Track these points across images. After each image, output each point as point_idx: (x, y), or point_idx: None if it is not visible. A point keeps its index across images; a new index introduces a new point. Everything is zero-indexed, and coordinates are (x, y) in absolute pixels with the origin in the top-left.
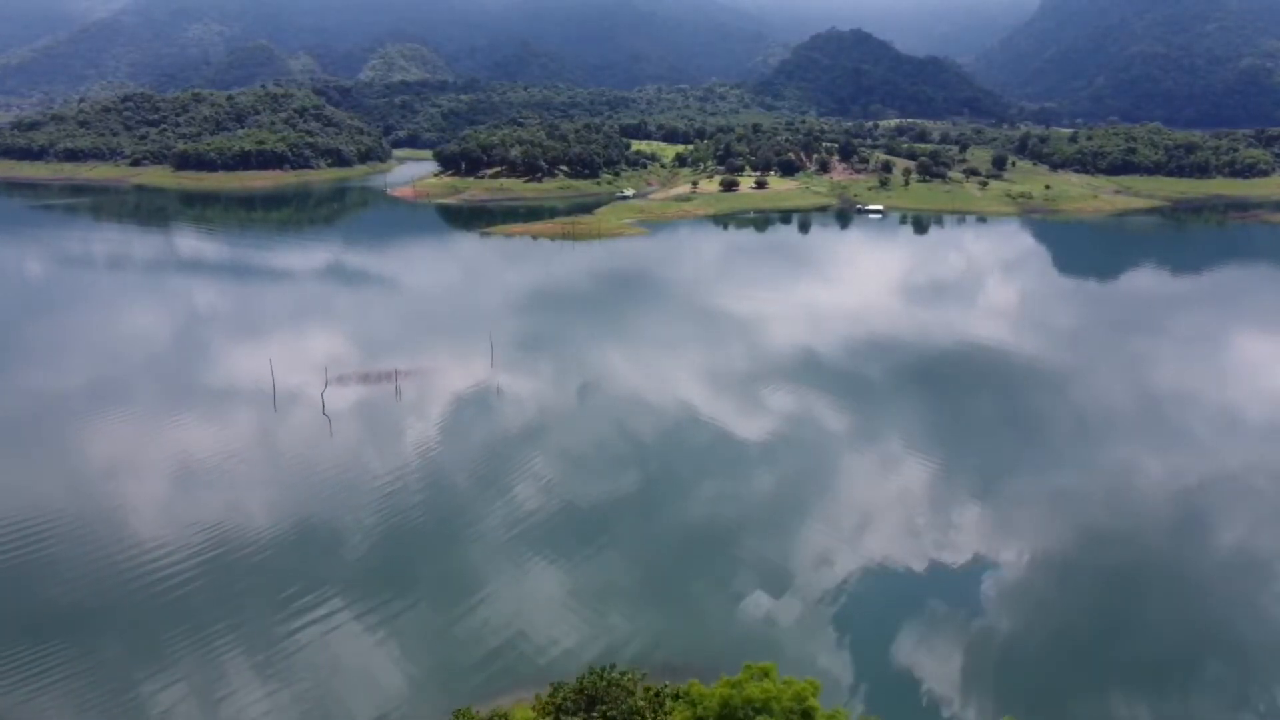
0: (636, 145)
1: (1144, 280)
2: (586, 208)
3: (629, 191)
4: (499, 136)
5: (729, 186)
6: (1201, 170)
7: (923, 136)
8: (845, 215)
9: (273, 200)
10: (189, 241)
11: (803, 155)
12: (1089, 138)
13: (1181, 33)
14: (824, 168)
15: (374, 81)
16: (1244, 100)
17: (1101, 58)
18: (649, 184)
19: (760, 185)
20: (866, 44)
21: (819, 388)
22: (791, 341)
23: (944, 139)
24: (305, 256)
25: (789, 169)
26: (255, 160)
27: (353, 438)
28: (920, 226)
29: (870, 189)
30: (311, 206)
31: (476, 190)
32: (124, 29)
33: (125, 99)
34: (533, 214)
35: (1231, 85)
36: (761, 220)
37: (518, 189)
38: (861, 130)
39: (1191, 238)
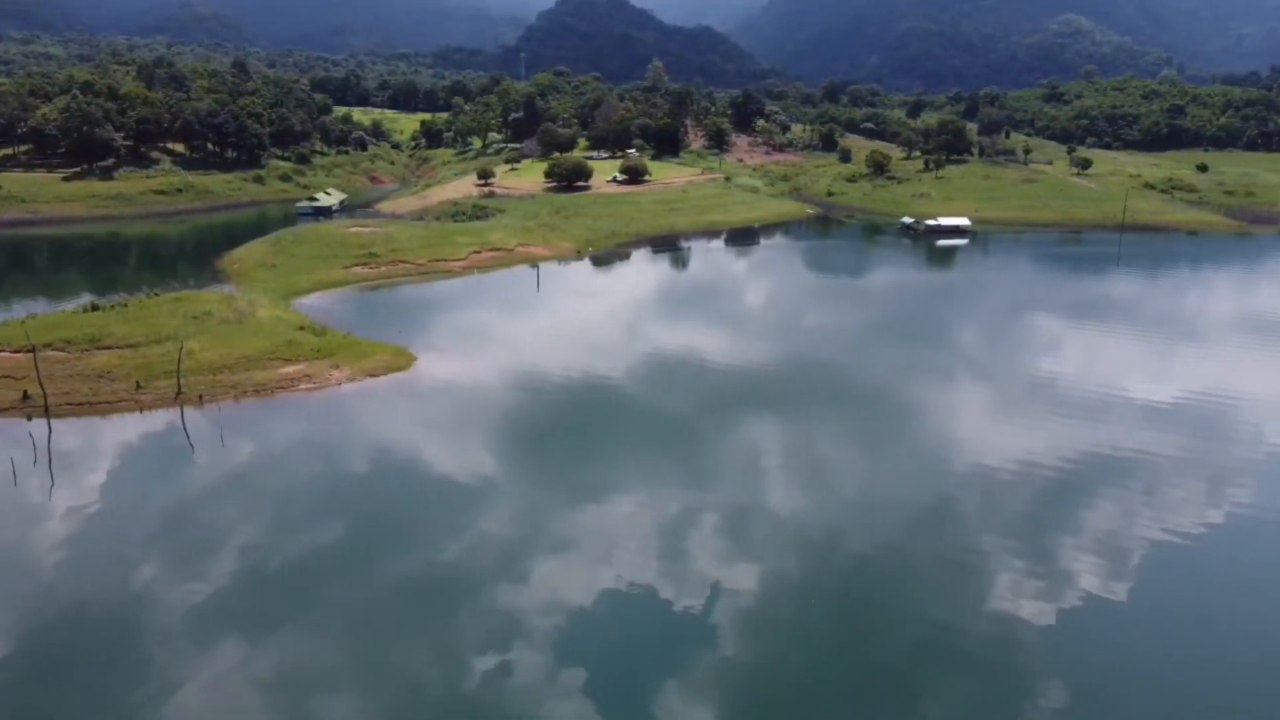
0: (344, 112)
1: None
2: (212, 240)
3: (330, 196)
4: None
5: (569, 180)
6: None
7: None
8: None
9: None
10: None
11: (688, 125)
12: (1078, 95)
13: (944, 11)
14: (719, 143)
15: None
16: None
17: (864, 38)
18: (376, 178)
19: (633, 177)
20: (624, 10)
21: None
22: None
23: (855, 101)
24: None
25: (666, 146)
26: None
27: None
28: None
29: (850, 180)
30: None
31: None
32: None
33: None
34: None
35: (1025, 62)
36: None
37: (38, 192)
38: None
39: None
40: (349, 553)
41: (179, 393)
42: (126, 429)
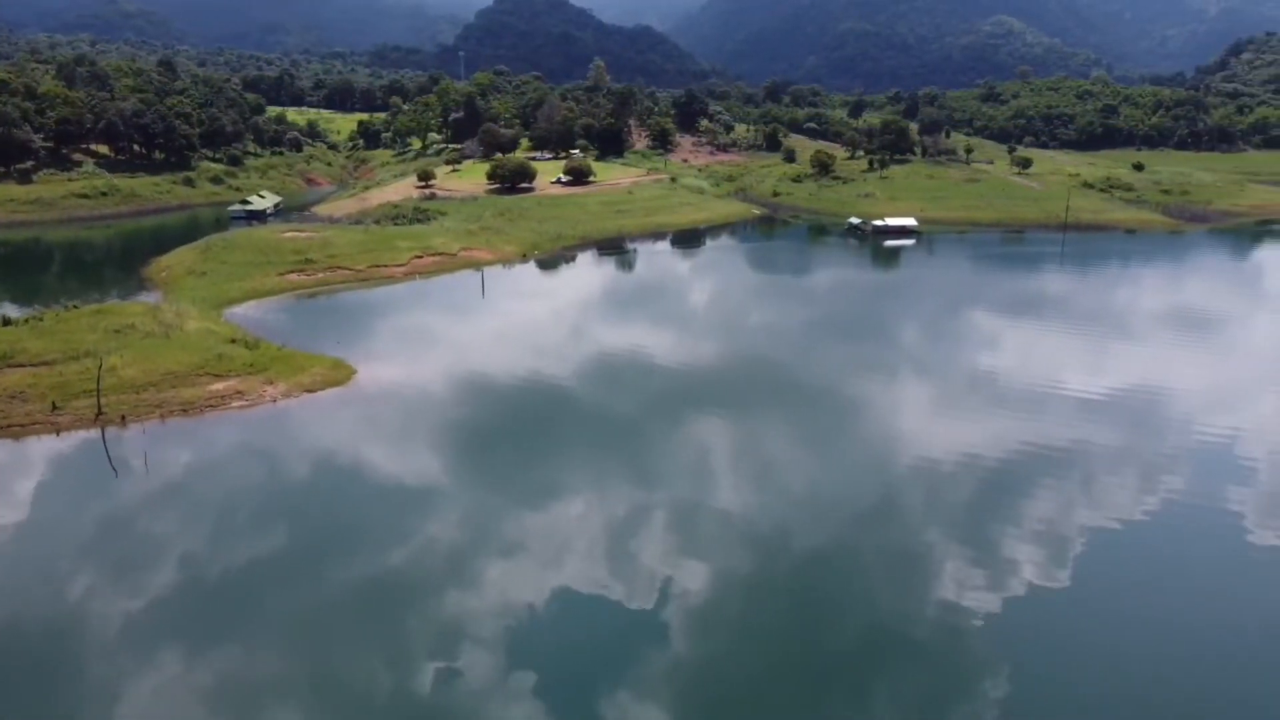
0: (277, 112)
1: None
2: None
3: (264, 199)
4: None
5: (512, 181)
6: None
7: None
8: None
9: None
10: None
11: (631, 125)
12: (1015, 95)
13: (879, 12)
14: (664, 143)
15: None
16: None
17: (802, 38)
18: (312, 180)
19: (578, 178)
20: (563, 9)
21: None
22: None
23: (796, 101)
24: None
25: (610, 146)
26: None
27: None
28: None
29: (795, 181)
30: None
31: None
32: None
33: None
34: None
35: (959, 62)
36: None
37: None
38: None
39: None
40: (282, 583)
41: (99, 413)
42: (41, 453)
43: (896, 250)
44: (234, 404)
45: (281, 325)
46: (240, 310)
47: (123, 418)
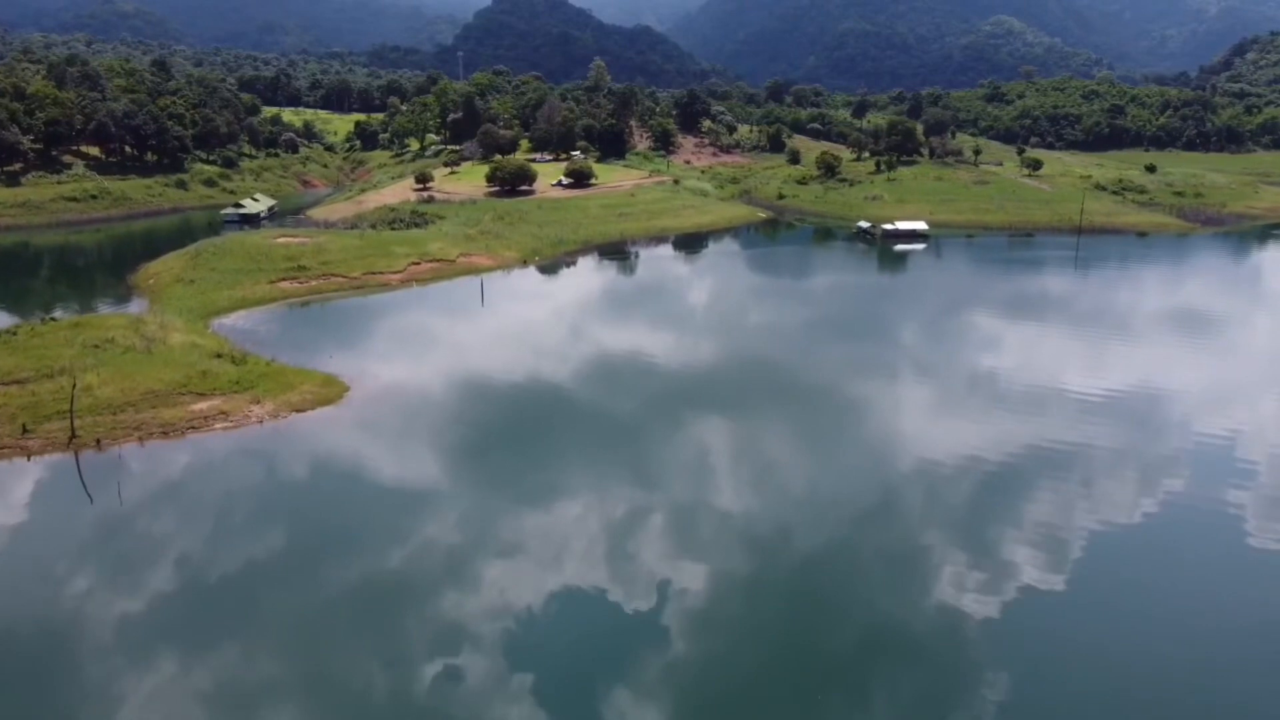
0: (273, 112)
1: None
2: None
3: (257, 202)
4: None
5: (512, 184)
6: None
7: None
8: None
9: None
10: None
11: (632, 126)
12: (1020, 95)
13: (879, 12)
14: (665, 144)
15: None
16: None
17: (802, 38)
18: (308, 182)
19: (579, 180)
20: (562, 9)
21: None
22: None
23: (799, 101)
24: None
25: (611, 147)
26: None
27: None
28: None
29: (801, 183)
30: None
31: None
32: None
33: None
34: None
35: (960, 62)
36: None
37: None
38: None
39: None
40: (263, 629)
41: (73, 436)
42: (10, 479)
43: (907, 255)
44: (217, 425)
45: (271, 337)
46: (229, 321)
47: (98, 441)
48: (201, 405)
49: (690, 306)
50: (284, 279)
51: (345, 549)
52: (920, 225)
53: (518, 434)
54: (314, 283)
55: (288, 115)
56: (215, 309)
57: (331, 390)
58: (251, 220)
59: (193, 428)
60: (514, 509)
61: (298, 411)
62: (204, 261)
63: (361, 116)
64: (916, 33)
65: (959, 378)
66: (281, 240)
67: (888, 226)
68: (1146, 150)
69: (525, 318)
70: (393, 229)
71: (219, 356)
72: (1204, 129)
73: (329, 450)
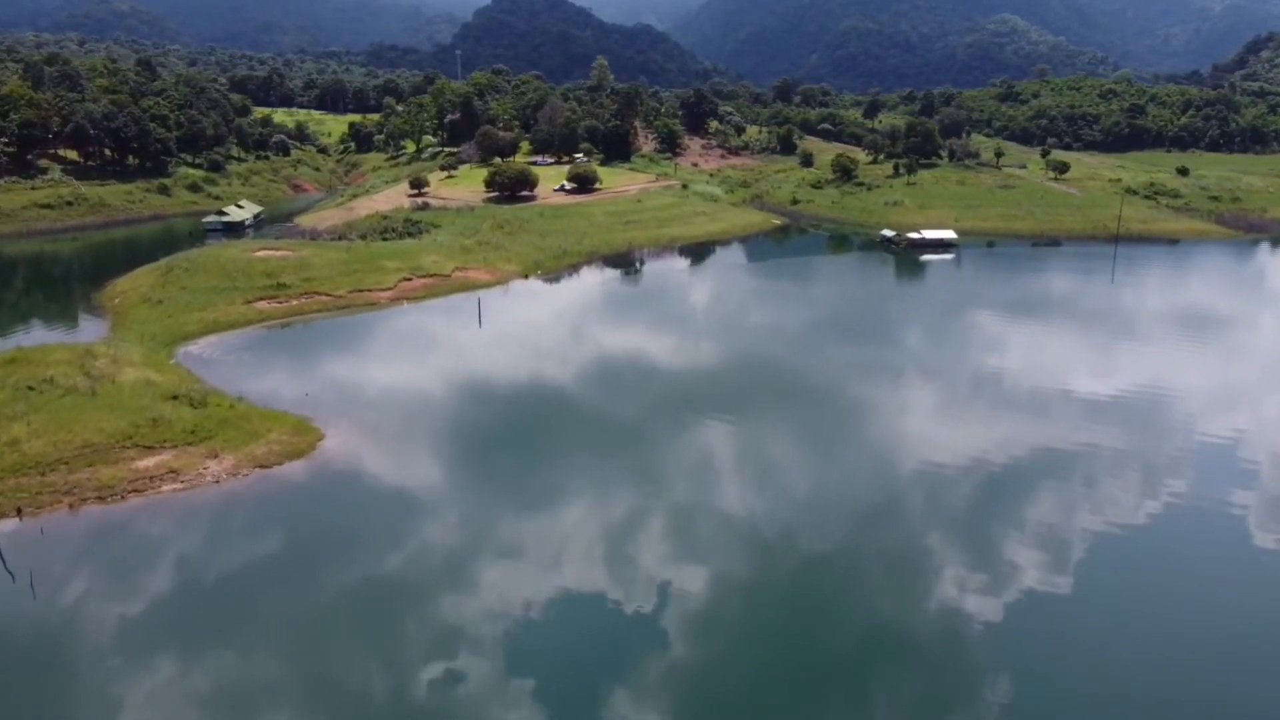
0: (264, 113)
1: None
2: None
3: (242, 209)
4: None
5: (512, 189)
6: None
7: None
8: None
9: None
10: None
11: (637, 127)
12: (1035, 94)
13: (881, 10)
14: (672, 146)
15: None
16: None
17: (804, 36)
18: (299, 186)
19: (583, 185)
20: (562, 8)
21: None
22: None
23: (807, 100)
24: None
25: (616, 149)
26: None
27: None
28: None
29: (815, 187)
30: None
31: None
32: None
33: None
34: None
35: (964, 61)
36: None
37: None
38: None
39: None
40: None
41: None
42: None
43: (938, 266)
44: (165, 487)
45: (242, 368)
46: (197, 348)
47: (18, 510)
48: (148, 462)
49: (715, 334)
50: (262, 298)
51: (303, 651)
52: (948, 234)
53: (517, 497)
54: (295, 302)
55: (280, 116)
56: (183, 334)
57: (303, 439)
58: (235, 229)
59: (135, 490)
60: (515, 612)
61: (262, 467)
62: (175, 279)
63: (357, 117)
64: (920, 31)
65: (1050, 447)
66: (261, 254)
67: (913, 235)
68: (1168, 151)
69: (527, 343)
70: (384, 239)
71: (175, 398)
72: (1228, 129)
73: (293, 519)
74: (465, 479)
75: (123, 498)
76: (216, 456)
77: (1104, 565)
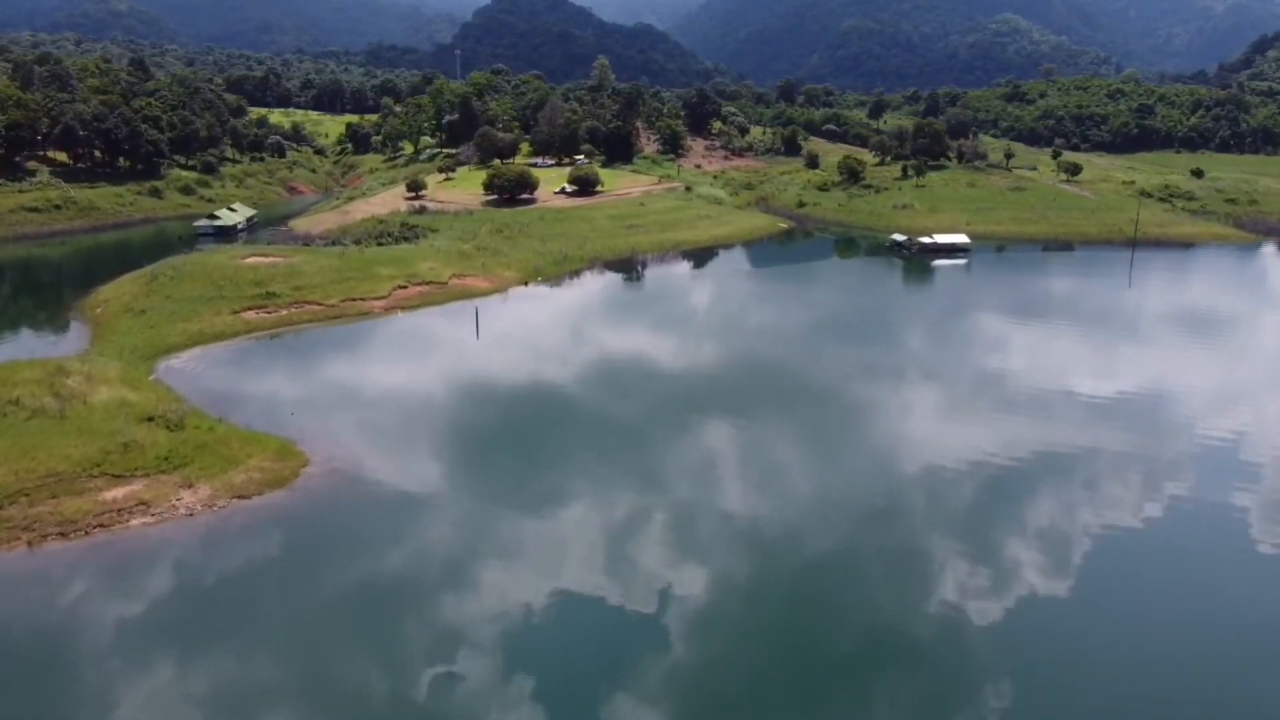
0: (260, 114)
1: None
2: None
3: (235, 213)
4: None
5: (511, 192)
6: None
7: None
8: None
9: None
10: None
11: (639, 128)
12: (1041, 94)
13: (882, 10)
14: (674, 147)
15: None
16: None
17: (805, 36)
18: (294, 189)
19: (584, 188)
20: (562, 7)
21: None
22: None
23: (811, 101)
24: None
25: (618, 151)
26: None
27: None
28: None
29: (822, 189)
30: None
31: None
32: None
33: None
34: None
35: (965, 61)
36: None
37: None
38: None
39: None
40: None
41: None
42: None
43: (952, 272)
44: (134, 521)
45: (225, 384)
46: (179, 361)
47: None
48: (117, 493)
49: (731, 350)
50: (250, 308)
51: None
52: (961, 238)
53: (518, 540)
54: (284, 312)
55: (276, 117)
56: (165, 347)
57: (285, 465)
58: (227, 233)
59: (101, 525)
60: (516, 681)
61: (240, 498)
62: (159, 287)
63: (354, 118)
64: (921, 31)
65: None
66: (250, 261)
67: (925, 240)
68: (1178, 152)
69: (527, 356)
70: (379, 244)
71: (151, 420)
72: (1238, 130)
73: (268, 559)
74: (459, 514)
75: (87, 533)
76: (191, 486)
77: (1154, 570)
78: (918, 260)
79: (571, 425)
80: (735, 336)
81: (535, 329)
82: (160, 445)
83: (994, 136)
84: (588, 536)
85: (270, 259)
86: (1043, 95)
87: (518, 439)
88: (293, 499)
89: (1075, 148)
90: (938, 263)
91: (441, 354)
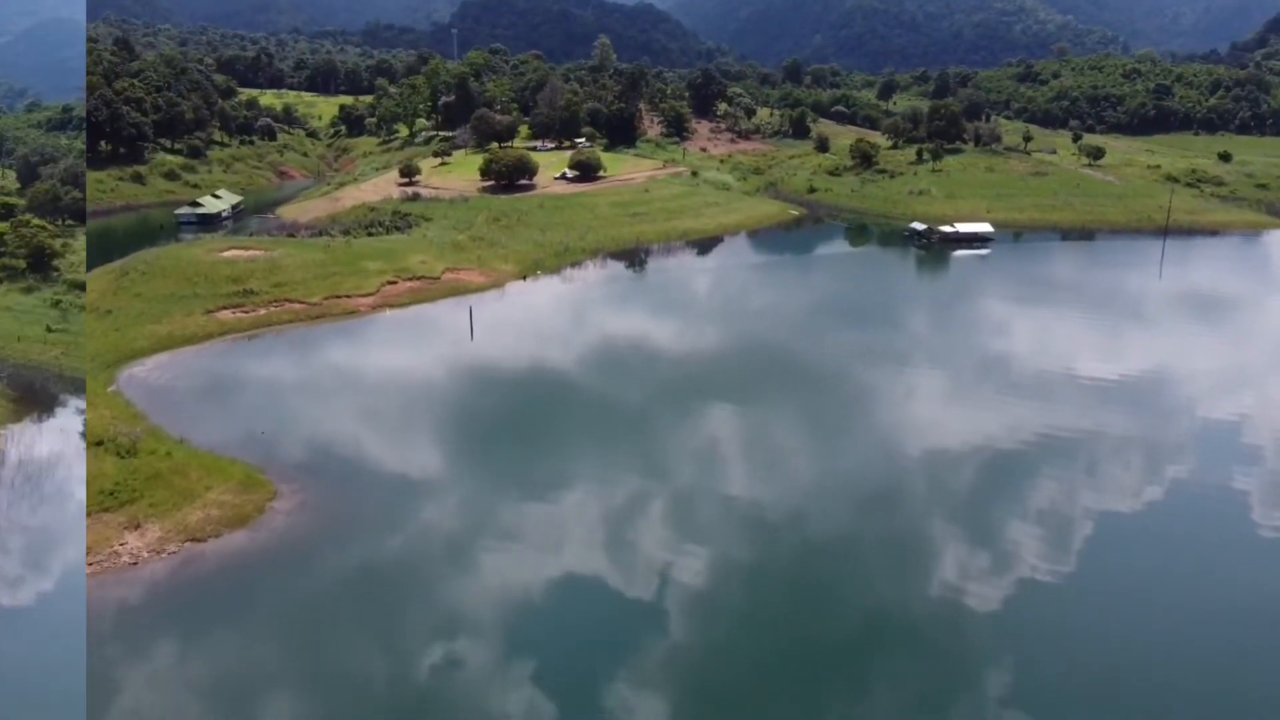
0: (250, 95)
1: None
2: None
3: (219, 199)
4: None
5: (509, 178)
6: None
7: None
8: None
9: None
10: None
11: (642, 110)
12: (1055, 75)
13: None
14: (679, 130)
15: None
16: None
17: (808, 15)
18: (285, 173)
19: (586, 173)
20: None
21: None
22: None
23: (818, 81)
24: None
25: (620, 134)
26: None
27: None
28: None
29: (833, 174)
30: None
31: None
32: None
33: None
34: None
35: (970, 40)
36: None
37: None
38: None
39: None
40: None
41: None
42: None
43: (978, 264)
44: None
45: (192, 395)
46: (144, 369)
47: None
48: None
49: (756, 355)
50: (225, 307)
51: None
52: (984, 227)
53: (512, 590)
54: (262, 311)
55: (267, 98)
56: (130, 351)
57: (250, 498)
58: (211, 221)
59: None
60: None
61: (194, 540)
62: (129, 284)
63: (349, 99)
64: (925, 10)
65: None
66: (229, 254)
67: (946, 229)
68: (1196, 134)
69: (526, 361)
70: (370, 234)
71: (99, 444)
72: (1259, 111)
73: (221, 620)
74: (450, 564)
75: None
76: (138, 527)
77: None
78: (940, 251)
79: (574, 439)
80: (765, 343)
81: (534, 330)
82: (107, 477)
83: (1007, 118)
84: (592, 593)
85: (250, 252)
86: (1056, 75)
87: (514, 465)
88: (254, 542)
89: (1090, 129)
90: (960, 253)
91: (432, 361)
